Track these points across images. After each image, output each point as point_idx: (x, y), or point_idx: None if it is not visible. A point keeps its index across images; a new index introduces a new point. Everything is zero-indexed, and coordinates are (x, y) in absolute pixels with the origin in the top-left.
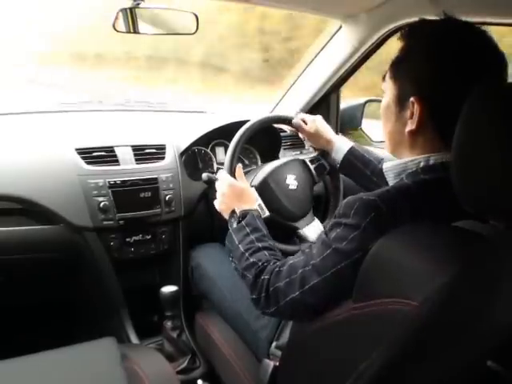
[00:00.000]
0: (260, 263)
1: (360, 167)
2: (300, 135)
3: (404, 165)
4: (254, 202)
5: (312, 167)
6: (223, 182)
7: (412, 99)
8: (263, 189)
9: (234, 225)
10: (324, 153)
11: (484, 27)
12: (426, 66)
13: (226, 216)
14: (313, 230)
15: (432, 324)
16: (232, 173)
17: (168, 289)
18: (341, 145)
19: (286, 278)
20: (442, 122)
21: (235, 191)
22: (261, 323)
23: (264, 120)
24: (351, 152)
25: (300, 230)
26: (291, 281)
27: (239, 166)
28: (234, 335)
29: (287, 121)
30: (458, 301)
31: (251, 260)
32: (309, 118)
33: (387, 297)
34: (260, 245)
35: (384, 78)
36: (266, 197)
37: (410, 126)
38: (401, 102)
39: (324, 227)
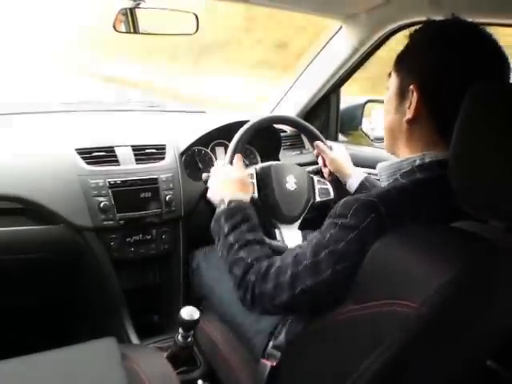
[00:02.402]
0: (249, 259)
1: None
2: (319, 161)
3: (399, 164)
4: (248, 192)
5: (317, 187)
6: (218, 169)
7: (411, 87)
8: (263, 175)
9: (224, 210)
10: (336, 182)
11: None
12: (427, 55)
13: (217, 202)
14: (292, 237)
15: (432, 325)
16: (231, 159)
17: (189, 314)
18: (359, 174)
19: (274, 281)
20: (439, 113)
21: (229, 178)
22: (255, 329)
23: (293, 121)
24: (367, 179)
25: (278, 230)
26: (280, 284)
27: (238, 156)
28: (233, 336)
29: (313, 138)
30: (458, 302)
31: (240, 254)
32: (334, 144)
33: (387, 298)
34: (250, 237)
35: (390, 75)
36: (262, 183)
37: (408, 114)
38: (401, 93)
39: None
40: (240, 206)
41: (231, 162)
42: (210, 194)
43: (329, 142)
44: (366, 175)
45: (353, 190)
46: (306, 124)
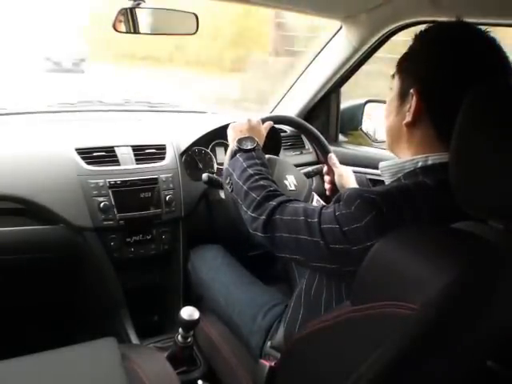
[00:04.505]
0: (272, 188)
1: None
2: (325, 177)
3: (402, 164)
4: (261, 143)
5: (316, 197)
6: (251, 118)
7: (411, 91)
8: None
9: (244, 147)
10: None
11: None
12: (426, 62)
13: (235, 137)
14: None
15: (433, 326)
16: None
17: (189, 315)
18: None
19: (290, 216)
20: (438, 118)
21: (256, 127)
22: (250, 329)
23: (306, 128)
24: None
25: None
26: (293, 221)
27: (269, 122)
28: (232, 336)
29: (325, 151)
30: (458, 303)
31: (261, 183)
32: (343, 166)
33: (387, 300)
34: (270, 176)
35: (393, 76)
36: None
37: (407, 118)
38: (402, 95)
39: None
40: (259, 153)
41: (263, 121)
42: (232, 128)
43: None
44: None
45: None
46: (307, 125)
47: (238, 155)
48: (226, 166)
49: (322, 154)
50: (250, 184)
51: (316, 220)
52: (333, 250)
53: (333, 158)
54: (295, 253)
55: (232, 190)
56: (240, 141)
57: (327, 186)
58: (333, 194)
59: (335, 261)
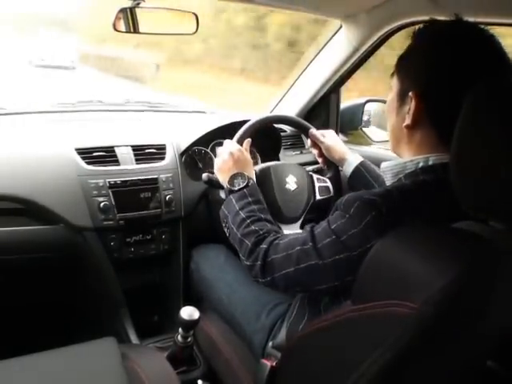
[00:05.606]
0: (261, 232)
1: (369, 179)
2: (313, 151)
3: (403, 165)
4: (251, 174)
5: (317, 186)
6: (231, 145)
7: (410, 94)
8: (262, 175)
9: (236, 187)
10: (335, 177)
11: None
12: (424, 63)
13: (225, 178)
14: None
15: (432, 326)
16: (240, 140)
17: (189, 315)
18: (353, 157)
19: (283, 252)
20: (438, 119)
21: (241, 158)
22: (254, 327)
23: (283, 118)
24: (362, 164)
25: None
26: (288, 255)
27: (247, 141)
28: (233, 335)
29: (305, 129)
30: (458, 302)
31: (252, 227)
32: (325, 131)
33: (387, 299)
34: (262, 216)
35: (392, 75)
36: (262, 185)
37: (407, 120)
38: (402, 97)
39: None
40: (251, 190)
41: (240, 143)
42: (218, 167)
43: (320, 130)
44: (361, 160)
45: (348, 173)
46: (281, 115)
47: (230, 196)
48: (222, 207)
49: (305, 133)
50: (242, 230)
51: (311, 244)
52: (333, 263)
53: (314, 133)
54: (299, 285)
55: (229, 235)
56: (231, 181)
57: (318, 159)
58: (328, 166)
59: (338, 275)
